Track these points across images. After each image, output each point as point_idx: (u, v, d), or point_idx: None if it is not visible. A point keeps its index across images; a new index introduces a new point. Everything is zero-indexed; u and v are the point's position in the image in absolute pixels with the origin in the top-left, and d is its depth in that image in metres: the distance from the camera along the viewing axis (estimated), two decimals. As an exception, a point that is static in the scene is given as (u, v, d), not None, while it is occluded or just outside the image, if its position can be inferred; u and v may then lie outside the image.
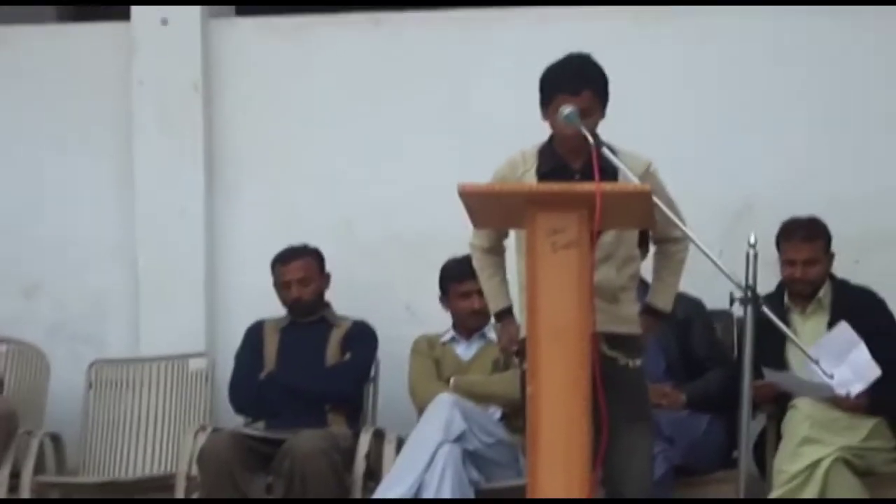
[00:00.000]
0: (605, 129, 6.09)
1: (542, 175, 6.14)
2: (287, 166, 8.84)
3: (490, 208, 6.04)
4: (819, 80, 8.47)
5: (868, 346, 7.67)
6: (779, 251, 7.80)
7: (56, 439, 8.44)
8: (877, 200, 8.39)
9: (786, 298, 7.79)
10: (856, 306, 7.80)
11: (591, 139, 5.99)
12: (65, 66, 9.09)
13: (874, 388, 7.57)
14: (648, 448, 6.35)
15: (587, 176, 5.98)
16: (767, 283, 6.70)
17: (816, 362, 7.04)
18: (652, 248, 6.25)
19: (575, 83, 6.11)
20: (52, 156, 9.08)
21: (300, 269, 8.24)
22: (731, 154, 8.26)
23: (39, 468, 8.27)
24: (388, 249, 8.55)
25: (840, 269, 8.09)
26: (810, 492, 7.36)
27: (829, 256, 7.83)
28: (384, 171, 8.61)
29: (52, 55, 9.15)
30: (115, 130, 8.99)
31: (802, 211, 7.91)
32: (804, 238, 7.74)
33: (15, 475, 8.18)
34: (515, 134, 6.42)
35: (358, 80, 8.67)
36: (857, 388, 7.41)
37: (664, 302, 6.18)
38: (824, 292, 7.80)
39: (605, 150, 6.06)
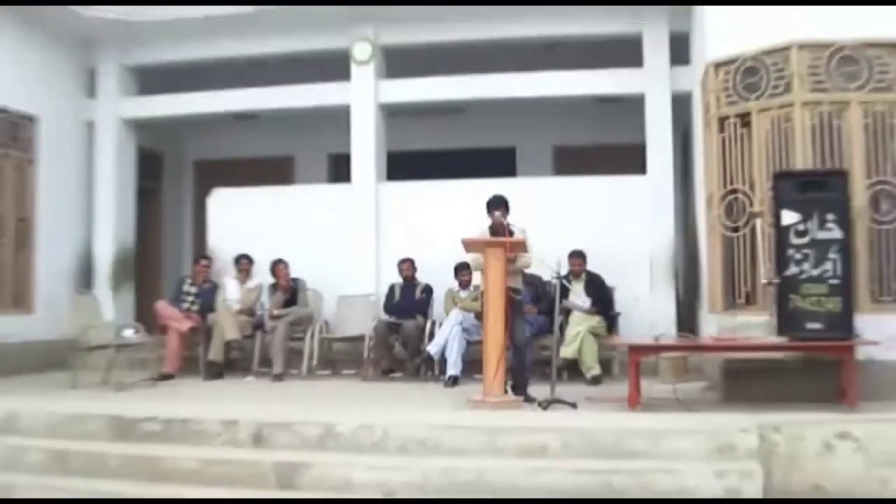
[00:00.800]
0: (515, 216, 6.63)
1: (491, 234, 6.62)
2: (406, 235, 9.11)
3: (473, 246, 6.54)
4: (579, 209, 8.89)
5: (595, 294, 8.29)
6: (569, 260, 8.18)
7: (326, 323, 8.89)
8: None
9: (570, 278, 8.16)
10: (593, 280, 8.30)
11: (505, 223, 6.59)
12: (330, 203, 9.32)
13: (594, 306, 8.34)
14: (524, 326, 6.69)
15: (503, 235, 6.53)
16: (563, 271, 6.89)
17: (577, 300, 8.07)
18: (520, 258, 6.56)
19: (497, 201, 6.63)
20: (328, 240, 9.25)
21: (406, 265, 8.76)
22: (552, 231, 8.19)
23: (321, 332, 8.71)
24: (438, 263, 8.70)
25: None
26: (577, 342, 7.90)
27: (585, 263, 8.30)
28: (438, 240, 8.68)
29: (324, 199, 9.41)
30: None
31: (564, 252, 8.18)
32: (579, 255, 8.27)
33: (312, 335, 8.55)
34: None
35: (426, 207, 9.09)
36: (586, 307, 8.23)
37: (515, 283, 6.46)
38: (583, 276, 8.29)
39: (512, 226, 6.65)
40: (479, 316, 7.21)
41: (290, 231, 9.36)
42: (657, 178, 8.80)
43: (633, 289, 8.59)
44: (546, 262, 6.39)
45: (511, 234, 6.51)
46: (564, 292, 7.58)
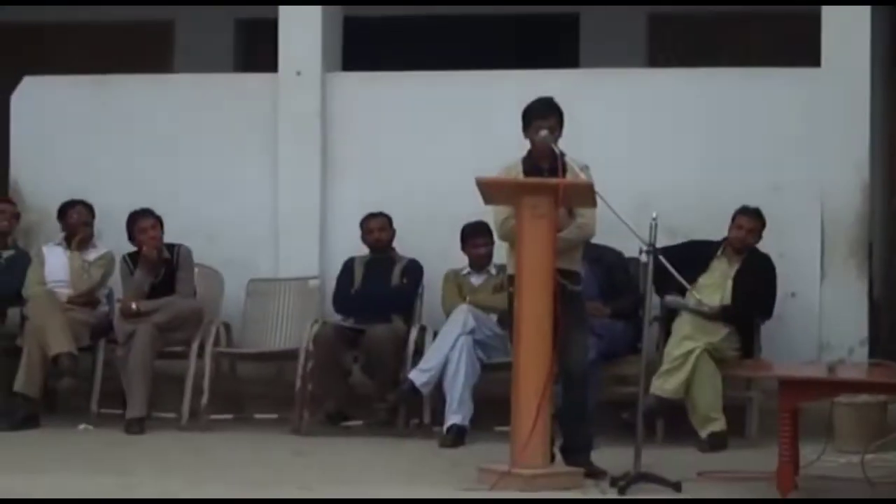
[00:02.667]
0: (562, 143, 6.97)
1: (526, 173, 6.90)
2: (373, 163, 9.64)
3: (495, 192, 6.87)
4: (693, 124, 9.27)
5: (754, 286, 8.50)
6: (733, 220, 8.53)
7: (227, 326, 9.24)
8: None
9: (720, 249, 8.59)
10: (756, 264, 8.59)
11: (557, 151, 6.80)
12: (239, 101, 9.82)
13: (729, 310, 8.46)
14: (585, 340, 7.09)
15: (552, 173, 6.78)
16: (661, 244, 7.11)
17: (690, 289, 7.95)
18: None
19: (545, 110, 6.93)
20: (228, 162, 9.73)
21: (379, 224, 9.10)
22: (642, 165, 9.08)
23: (217, 343, 9.01)
24: (431, 218, 9.30)
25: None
26: (685, 369, 8.17)
27: (760, 234, 8.58)
28: (427, 172, 9.38)
29: (231, 96, 9.88)
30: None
31: (681, 202, 8.88)
32: (755, 216, 8.55)
33: (201, 347, 8.88)
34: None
35: (421, 118, 9.55)
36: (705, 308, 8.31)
37: (570, 263, 6.88)
38: (743, 255, 8.59)
39: (569, 159, 6.85)
40: (505, 320, 7.45)
41: (166, 159, 9.68)
42: (841, 74, 8.95)
43: (787, 276, 8.80)
44: (631, 225, 6.81)
45: (565, 171, 6.75)
46: (664, 279, 7.65)
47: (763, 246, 8.73)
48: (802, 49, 9.35)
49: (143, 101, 9.89)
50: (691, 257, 8.41)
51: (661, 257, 6.99)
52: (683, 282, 7.59)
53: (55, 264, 9.18)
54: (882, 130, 9.81)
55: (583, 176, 6.85)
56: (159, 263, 9.02)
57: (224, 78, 10.47)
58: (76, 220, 9.21)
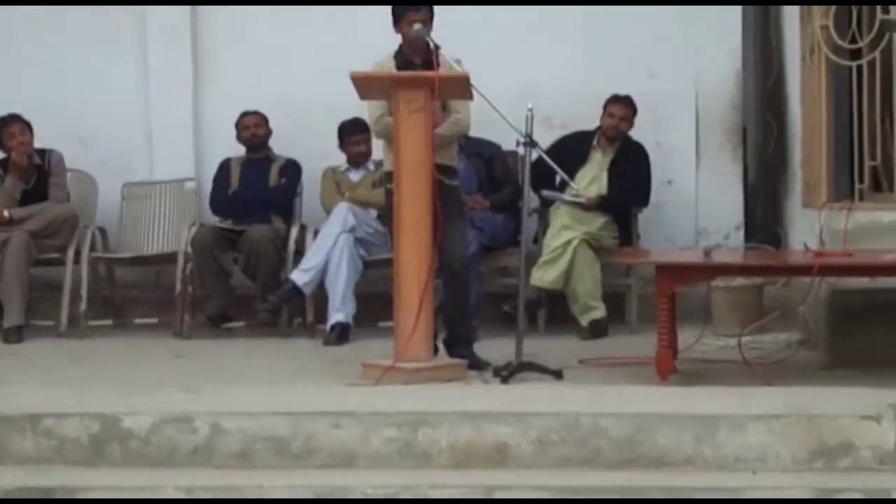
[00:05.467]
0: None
1: (398, 68, 6.95)
2: (246, 63, 9.52)
3: (370, 87, 6.90)
4: (567, 15, 9.19)
5: (629, 175, 8.60)
6: (604, 109, 8.59)
7: (103, 231, 9.21)
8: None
9: (595, 139, 8.68)
10: (630, 153, 8.71)
11: (431, 44, 6.87)
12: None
13: (605, 199, 8.56)
14: (464, 234, 7.21)
15: (426, 67, 6.85)
16: (538, 135, 7.08)
17: (571, 183, 8.04)
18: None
19: (415, 4, 6.90)
20: (98, 65, 9.57)
21: (254, 121, 9.12)
22: (517, 58, 9.09)
23: (93, 248, 8.96)
24: (307, 116, 9.28)
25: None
26: (564, 259, 8.27)
27: (632, 122, 8.64)
28: (301, 70, 9.30)
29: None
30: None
31: (556, 93, 8.95)
32: (625, 104, 8.59)
33: (77, 253, 8.80)
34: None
35: (292, 15, 9.40)
36: (582, 199, 8.41)
37: (447, 158, 6.94)
38: (616, 146, 8.71)
39: (442, 52, 6.90)
40: (385, 216, 7.55)
41: (31, 62, 9.50)
42: None
43: (663, 164, 8.97)
44: (508, 117, 6.88)
45: (439, 65, 6.85)
46: (544, 173, 7.81)
47: (639, 135, 8.82)
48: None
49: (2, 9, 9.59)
50: (568, 150, 8.51)
51: (538, 149, 7.04)
52: (562, 173, 7.77)
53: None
54: (754, 17, 9.76)
55: (458, 69, 6.85)
56: (30, 169, 8.92)
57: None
58: (13, 134, 8.93)
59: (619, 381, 6.61)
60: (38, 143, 9.05)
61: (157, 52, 9.51)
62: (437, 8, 7.05)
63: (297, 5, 9.28)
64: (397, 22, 6.94)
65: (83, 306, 8.77)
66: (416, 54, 6.97)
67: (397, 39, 7.05)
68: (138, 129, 9.57)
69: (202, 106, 9.53)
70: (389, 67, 6.99)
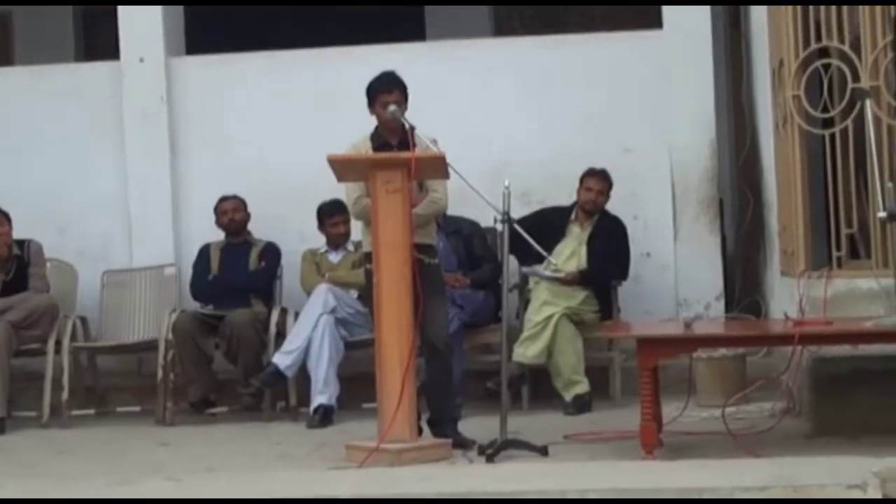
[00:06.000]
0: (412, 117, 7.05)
1: (375, 150, 7.00)
2: (222, 147, 9.63)
3: (347, 169, 6.95)
4: (542, 92, 9.36)
5: (608, 249, 8.61)
6: (581, 183, 8.64)
7: (83, 320, 9.17)
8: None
9: (573, 214, 8.73)
10: (607, 226, 8.74)
11: (407, 125, 6.90)
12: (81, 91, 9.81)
13: (585, 274, 8.56)
14: (445, 312, 7.23)
15: (402, 147, 6.90)
16: (515, 211, 7.18)
17: (550, 259, 8.01)
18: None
19: (388, 85, 6.98)
20: (75, 153, 9.67)
21: (232, 205, 9.18)
22: (494, 134, 9.26)
23: (74, 338, 8.94)
24: (284, 199, 9.40)
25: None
26: (546, 335, 8.27)
27: (607, 195, 8.68)
28: (278, 153, 9.47)
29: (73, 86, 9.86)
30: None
31: (532, 169, 9.09)
32: (601, 177, 8.66)
33: (58, 342, 8.78)
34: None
35: (268, 98, 9.60)
36: (561, 274, 8.42)
37: (425, 237, 6.98)
38: (594, 220, 8.73)
39: (417, 132, 6.93)
40: (366, 297, 7.50)
41: (9, 154, 9.65)
42: (683, 35, 9.12)
43: (641, 237, 9.01)
44: (482, 193, 6.93)
45: (415, 145, 6.91)
46: (523, 248, 7.67)
47: (615, 208, 8.87)
48: (647, 12, 9.52)
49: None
50: (546, 224, 8.53)
51: (516, 226, 7.07)
52: (540, 249, 7.58)
53: None
54: (726, 89, 10.01)
55: (434, 149, 6.90)
56: (9, 260, 8.91)
57: (64, 68, 10.38)
58: None
59: (604, 456, 6.62)
60: (16, 233, 9.04)
61: (134, 138, 9.59)
62: (412, 82, 7.09)
63: (272, 89, 9.48)
64: (371, 103, 6.97)
65: (65, 396, 8.71)
66: (392, 135, 7.01)
67: (373, 120, 7.09)
68: (116, 216, 9.60)
69: (180, 191, 9.59)
70: (366, 149, 7.04)
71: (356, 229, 7.98)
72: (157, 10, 9.53)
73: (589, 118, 9.26)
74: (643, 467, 6.04)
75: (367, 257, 6.95)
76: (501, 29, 11.34)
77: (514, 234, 7.07)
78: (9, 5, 11.34)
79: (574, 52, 9.38)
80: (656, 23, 9.25)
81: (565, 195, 8.90)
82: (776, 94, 8.12)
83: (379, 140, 7.06)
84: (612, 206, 8.84)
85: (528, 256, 8.35)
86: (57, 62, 10.53)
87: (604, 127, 9.23)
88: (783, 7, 7.77)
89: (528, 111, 9.33)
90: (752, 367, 8.21)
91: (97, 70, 9.96)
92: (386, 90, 6.95)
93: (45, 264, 9.08)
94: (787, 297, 7.74)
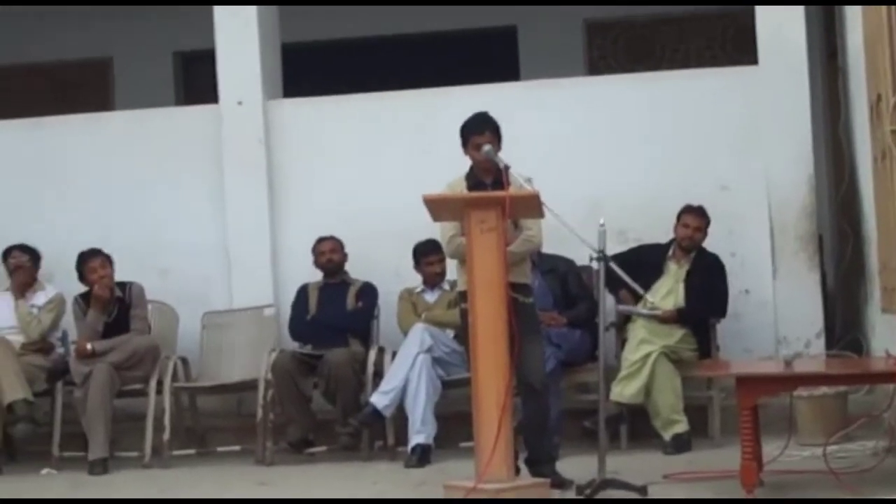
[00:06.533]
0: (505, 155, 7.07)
1: (470, 189, 7.04)
2: (319, 188, 9.69)
3: (442, 209, 6.96)
4: (636, 129, 9.33)
5: (706, 286, 8.55)
6: (678, 220, 8.62)
7: (184, 360, 9.27)
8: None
9: (670, 251, 8.68)
10: (705, 263, 8.68)
11: (500, 164, 6.92)
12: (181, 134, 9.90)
13: (683, 312, 8.51)
14: (541, 351, 7.20)
15: (497, 186, 6.92)
16: (612, 249, 7.27)
17: (647, 297, 8.08)
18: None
19: (479, 126, 7.04)
20: (175, 196, 9.78)
21: (330, 246, 9.20)
22: (589, 172, 9.25)
23: (175, 379, 9.04)
24: (381, 239, 9.39)
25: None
26: (644, 373, 8.23)
27: (705, 232, 8.65)
28: (374, 193, 9.50)
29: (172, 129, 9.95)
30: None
31: (629, 207, 9.08)
32: (699, 214, 8.63)
33: (159, 383, 8.88)
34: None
35: (364, 139, 9.65)
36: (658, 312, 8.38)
37: (520, 276, 6.96)
38: (691, 257, 8.69)
39: (512, 171, 6.94)
40: (462, 336, 7.43)
41: (110, 197, 9.73)
42: (779, 71, 9.06)
43: (739, 274, 8.93)
44: (578, 232, 6.93)
45: (509, 184, 6.91)
46: (616, 284, 7.84)
47: (713, 245, 8.80)
48: (742, 48, 9.55)
49: (80, 141, 9.90)
50: (642, 262, 8.48)
51: (612, 264, 7.07)
52: (637, 287, 7.70)
53: (3, 310, 9.18)
54: (824, 122, 9.92)
55: (528, 187, 6.90)
56: (111, 302, 9.02)
57: (163, 112, 10.48)
58: (13, 265, 9.19)
59: (704, 495, 6.59)
60: (119, 276, 9.18)
61: (232, 181, 9.68)
62: (506, 121, 7.12)
63: (368, 130, 9.54)
64: (465, 144, 7.04)
65: (166, 436, 8.79)
66: (487, 174, 7.04)
67: (468, 160, 7.14)
68: (216, 258, 9.67)
69: (278, 233, 9.66)
70: (461, 188, 7.07)
71: (452, 268, 8.00)
72: (255, 54, 9.63)
73: (685, 155, 9.24)
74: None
75: (463, 296, 6.96)
76: (595, 68, 11.36)
77: (609, 273, 7.05)
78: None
79: (668, 88, 9.38)
80: (752, 58, 9.22)
81: (662, 233, 8.87)
82: (874, 128, 8.06)
83: (474, 179, 7.09)
84: (710, 244, 8.78)
85: (616, 291, 8.36)
86: (156, 106, 10.66)
87: (700, 164, 9.20)
88: (880, 41, 7.71)
89: (624, 149, 9.32)
90: (853, 405, 8.13)
91: (196, 113, 10.11)
92: (478, 131, 7.01)
93: (146, 306, 9.20)
94: (889, 334, 7.70)
